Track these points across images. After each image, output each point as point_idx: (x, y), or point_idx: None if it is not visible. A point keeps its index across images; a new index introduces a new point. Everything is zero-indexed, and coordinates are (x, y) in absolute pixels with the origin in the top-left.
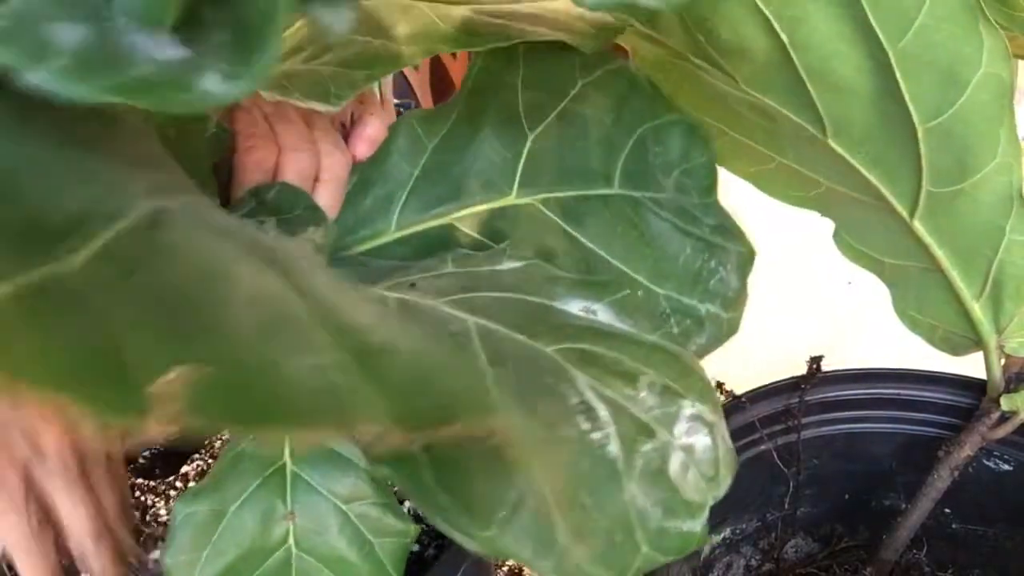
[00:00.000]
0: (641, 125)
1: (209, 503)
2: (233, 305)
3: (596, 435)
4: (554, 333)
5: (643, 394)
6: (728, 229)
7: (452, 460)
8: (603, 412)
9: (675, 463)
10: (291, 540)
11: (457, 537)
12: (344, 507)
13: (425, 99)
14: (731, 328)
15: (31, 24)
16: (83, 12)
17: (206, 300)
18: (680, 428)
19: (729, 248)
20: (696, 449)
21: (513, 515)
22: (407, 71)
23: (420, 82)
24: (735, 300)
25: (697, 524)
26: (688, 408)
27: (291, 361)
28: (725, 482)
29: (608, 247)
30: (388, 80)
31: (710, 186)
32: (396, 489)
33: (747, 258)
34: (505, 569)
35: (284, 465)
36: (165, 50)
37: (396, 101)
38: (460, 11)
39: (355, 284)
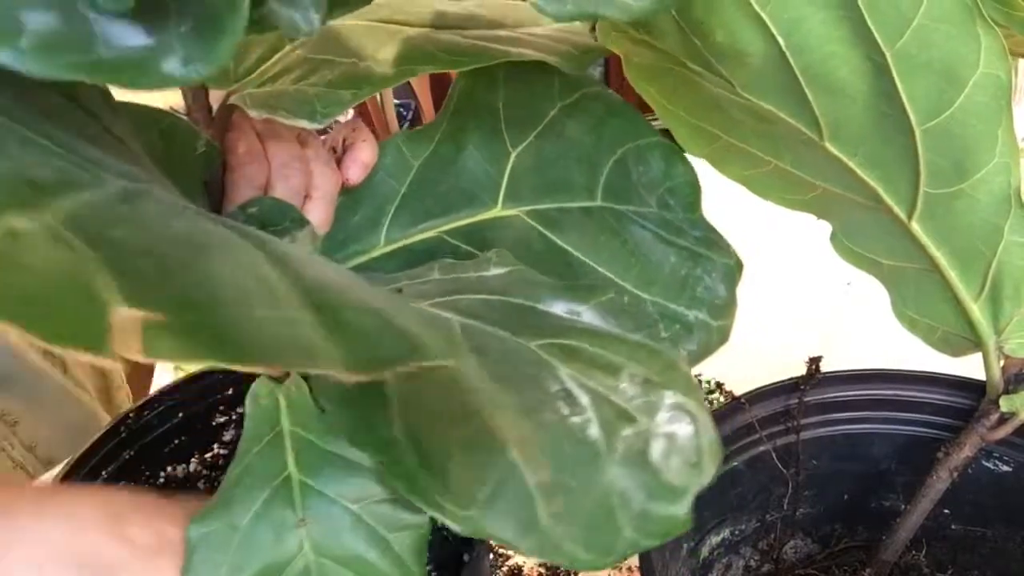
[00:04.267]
0: (621, 145)
1: (220, 521)
2: (200, 264)
3: (576, 419)
4: (537, 331)
5: (624, 384)
6: (714, 241)
7: (433, 442)
8: (584, 399)
9: (657, 448)
10: (307, 547)
11: (438, 516)
12: (355, 507)
13: (424, 99)
14: (721, 336)
15: (4, 10)
16: (54, 1)
17: (170, 258)
18: (662, 417)
19: (715, 258)
20: (678, 436)
21: (494, 496)
22: None
23: (420, 83)
24: (724, 308)
25: (680, 508)
26: (669, 398)
27: (258, 312)
28: (709, 470)
29: (593, 255)
30: None
31: (693, 203)
32: None
33: (734, 269)
34: (504, 569)
35: (290, 475)
36: (130, 37)
37: (396, 101)
38: (445, 35)
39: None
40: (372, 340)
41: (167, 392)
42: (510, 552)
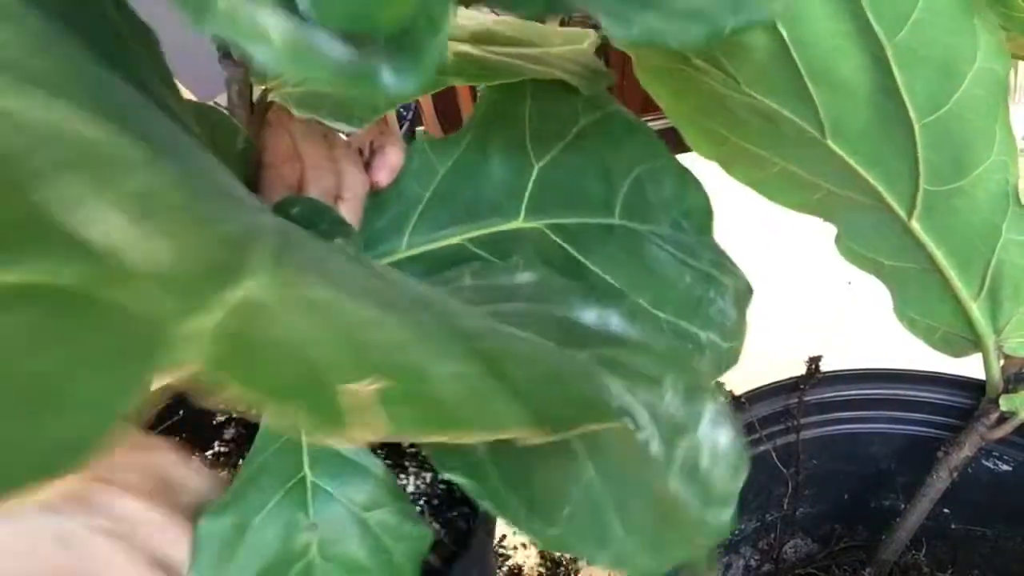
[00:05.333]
0: (638, 166)
1: (231, 518)
2: (383, 316)
3: (641, 435)
4: (579, 341)
5: (669, 396)
6: (725, 264)
7: (517, 461)
8: (643, 414)
9: (705, 458)
10: (313, 550)
11: (528, 534)
12: (363, 515)
13: (425, 100)
14: (731, 358)
15: (245, 9)
16: (281, 7)
17: (355, 313)
18: (704, 426)
19: (726, 282)
20: (720, 443)
21: (575, 512)
22: None
23: None
24: (734, 331)
25: (728, 513)
26: (710, 407)
27: (441, 367)
28: (744, 473)
29: (611, 271)
30: None
31: (706, 225)
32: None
33: (744, 292)
34: (504, 569)
35: (304, 477)
36: (336, 50)
37: None
38: (472, 48)
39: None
40: (545, 397)
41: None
42: (510, 551)
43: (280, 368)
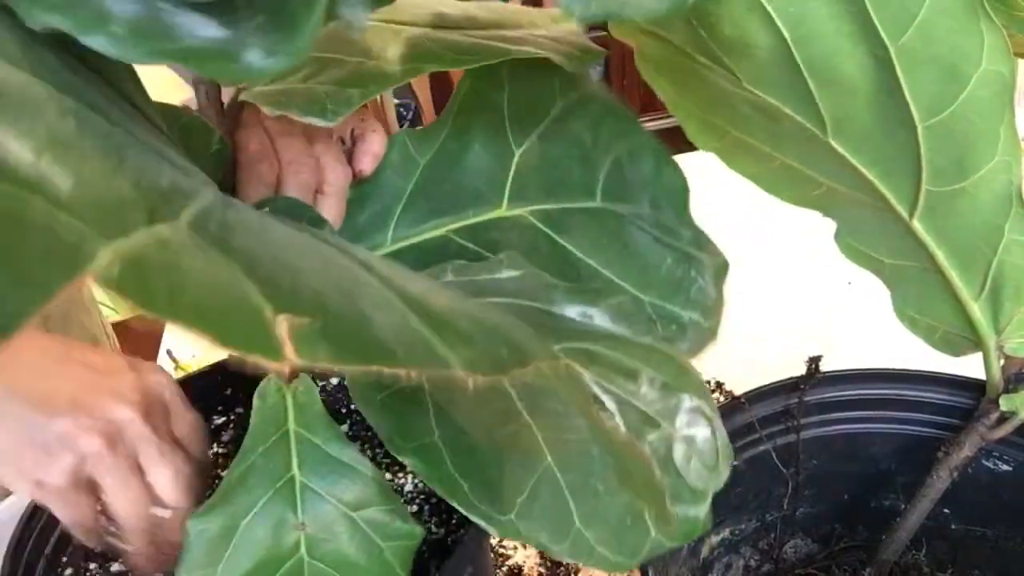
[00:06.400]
0: (617, 145)
1: (220, 518)
2: (313, 269)
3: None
4: (557, 334)
5: (644, 389)
6: (703, 242)
7: (471, 448)
8: (611, 404)
9: (679, 452)
10: (302, 549)
11: (478, 522)
12: (353, 514)
13: (424, 99)
14: (711, 335)
15: None
16: None
17: (290, 264)
18: (681, 420)
19: (705, 260)
20: (697, 440)
21: (531, 501)
22: None
23: (420, 83)
24: (713, 308)
25: (701, 511)
26: (687, 402)
27: (377, 315)
28: (724, 472)
29: (595, 256)
30: None
31: (683, 205)
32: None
33: (721, 269)
34: (504, 569)
35: (293, 477)
36: (203, 29)
37: (396, 101)
38: (448, 34)
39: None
40: (484, 345)
41: None
42: (510, 552)
43: (206, 295)
